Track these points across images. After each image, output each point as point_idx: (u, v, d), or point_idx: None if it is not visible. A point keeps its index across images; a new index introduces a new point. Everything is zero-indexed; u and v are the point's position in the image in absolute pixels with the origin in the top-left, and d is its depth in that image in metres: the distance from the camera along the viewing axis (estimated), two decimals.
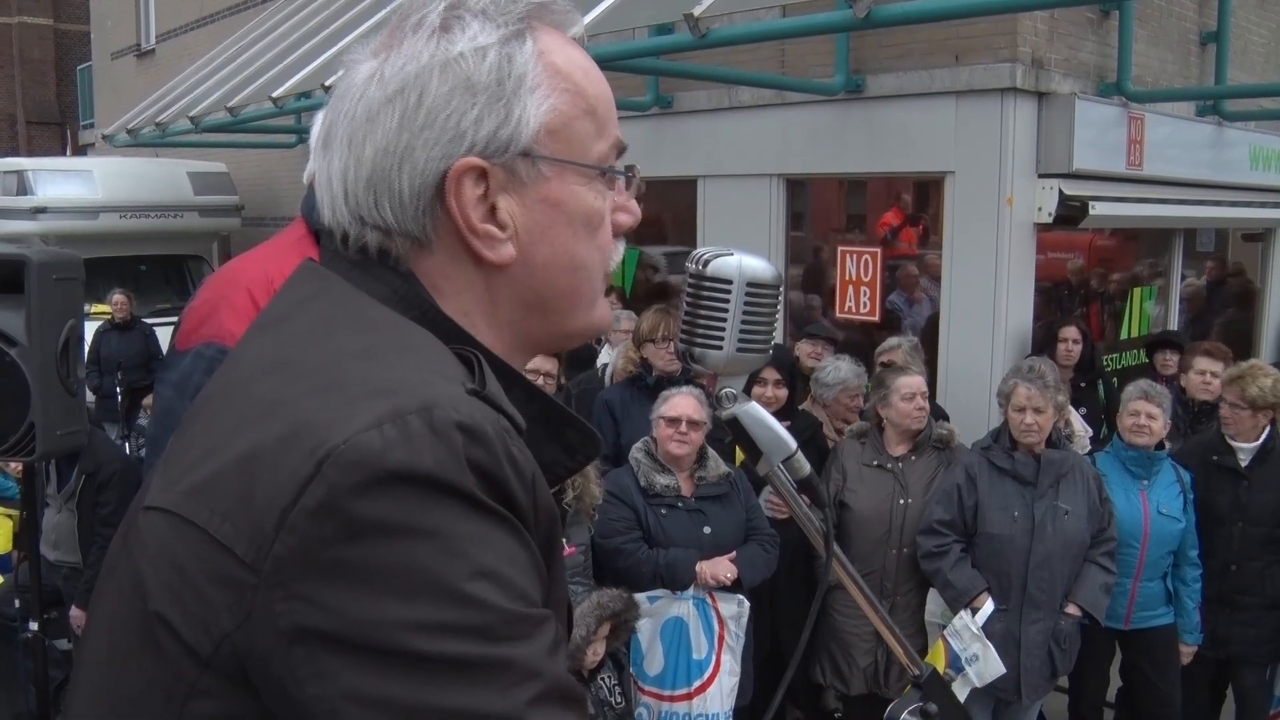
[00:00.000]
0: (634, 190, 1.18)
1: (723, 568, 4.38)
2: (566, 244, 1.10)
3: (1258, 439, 4.98)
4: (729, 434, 1.43)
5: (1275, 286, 10.91)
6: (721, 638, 4.37)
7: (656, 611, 4.33)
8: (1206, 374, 5.75)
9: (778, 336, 7.67)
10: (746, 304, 1.33)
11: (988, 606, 4.43)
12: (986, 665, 4.31)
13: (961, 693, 4.07)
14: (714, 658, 4.34)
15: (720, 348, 1.34)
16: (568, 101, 1.06)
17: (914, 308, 8.12)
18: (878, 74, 7.79)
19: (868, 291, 8.08)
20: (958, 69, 7.38)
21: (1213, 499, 4.99)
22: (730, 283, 1.33)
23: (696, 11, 5.82)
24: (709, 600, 4.38)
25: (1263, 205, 9.93)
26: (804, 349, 6.50)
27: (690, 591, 4.37)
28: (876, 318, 8.01)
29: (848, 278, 8.22)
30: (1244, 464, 4.98)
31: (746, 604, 4.45)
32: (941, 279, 7.60)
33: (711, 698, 4.33)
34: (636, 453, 4.61)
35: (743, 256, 1.35)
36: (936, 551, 4.63)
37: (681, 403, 4.54)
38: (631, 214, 1.19)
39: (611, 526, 4.43)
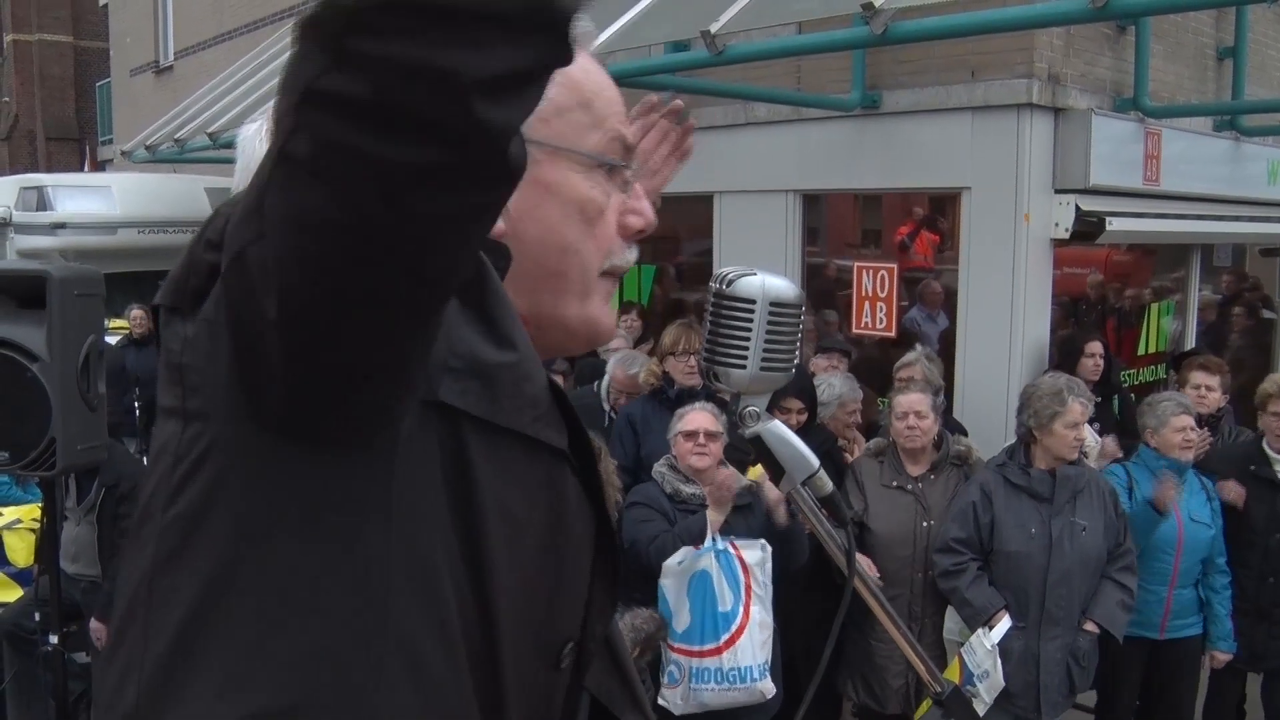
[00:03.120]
0: (636, 179, 1.21)
1: (728, 474, 4.39)
2: (556, 225, 1.13)
3: None
4: (751, 452, 1.44)
5: None
6: (748, 587, 4.33)
7: (683, 571, 4.31)
8: (1202, 388, 5.71)
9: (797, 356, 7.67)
10: (770, 323, 1.34)
11: (1004, 624, 4.42)
12: (994, 681, 4.30)
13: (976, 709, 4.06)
14: (742, 608, 4.29)
15: (744, 367, 1.35)
16: (560, 93, 1.10)
17: (932, 323, 8.11)
18: (894, 90, 7.79)
19: (884, 307, 8.08)
20: (974, 85, 7.38)
21: (1250, 510, 4.98)
22: (754, 302, 1.34)
23: (713, 29, 5.85)
24: (731, 549, 4.35)
25: (1279, 220, 9.90)
26: (818, 364, 6.51)
27: (710, 543, 4.34)
28: (893, 333, 8.01)
29: (864, 293, 8.22)
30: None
31: (769, 549, 4.41)
32: (959, 294, 7.59)
33: (743, 650, 4.28)
34: (660, 467, 4.64)
35: (766, 276, 1.36)
36: (954, 570, 4.62)
37: (696, 417, 4.56)
38: (643, 216, 1.21)
39: (640, 528, 4.43)
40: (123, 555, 1.04)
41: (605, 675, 1.28)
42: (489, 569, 1.01)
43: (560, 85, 1.08)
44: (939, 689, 1.52)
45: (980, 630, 4.43)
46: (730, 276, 1.36)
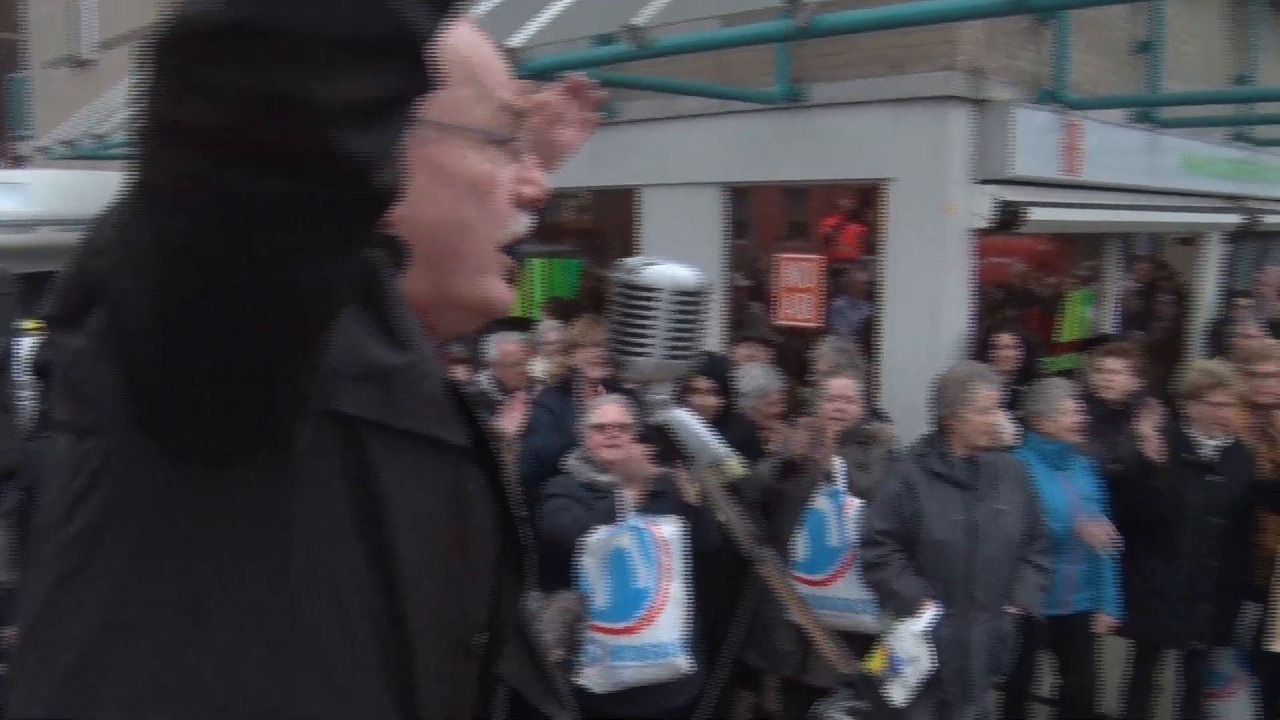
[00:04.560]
0: (530, 147, 1.21)
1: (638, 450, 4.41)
2: (451, 204, 1.13)
3: (1225, 434, 5.14)
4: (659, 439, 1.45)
5: (1206, 288, 11.14)
6: (664, 563, 4.34)
7: (599, 548, 4.32)
8: (1108, 373, 5.83)
9: (717, 344, 7.73)
10: (673, 312, 1.35)
11: (931, 612, 4.48)
12: (921, 666, 4.36)
13: (900, 695, 4.11)
14: (657, 584, 4.30)
15: (648, 355, 1.36)
16: (446, 69, 1.09)
17: (857, 312, 8.21)
18: (818, 83, 7.86)
19: (810, 298, 8.15)
20: (897, 78, 7.47)
21: (1184, 495, 5.10)
22: (658, 291, 1.35)
23: (638, 22, 5.85)
24: (646, 526, 4.35)
25: (1195, 210, 10.13)
26: (741, 353, 6.55)
27: (625, 521, 4.35)
28: (817, 323, 8.08)
29: (789, 284, 8.28)
30: (1211, 459, 5.11)
31: (685, 524, 4.42)
32: (884, 285, 7.68)
33: (661, 626, 4.28)
34: (573, 461, 4.63)
35: (670, 265, 1.37)
36: (878, 562, 4.67)
37: (608, 409, 4.58)
38: (537, 185, 1.22)
39: (560, 516, 4.43)
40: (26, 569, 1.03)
41: (520, 664, 1.28)
42: (397, 570, 1.00)
43: (446, 61, 1.08)
44: (847, 671, 1.54)
45: (904, 619, 4.48)
46: (634, 265, 1.37)
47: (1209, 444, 5.13)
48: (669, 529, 4.37)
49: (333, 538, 0.97)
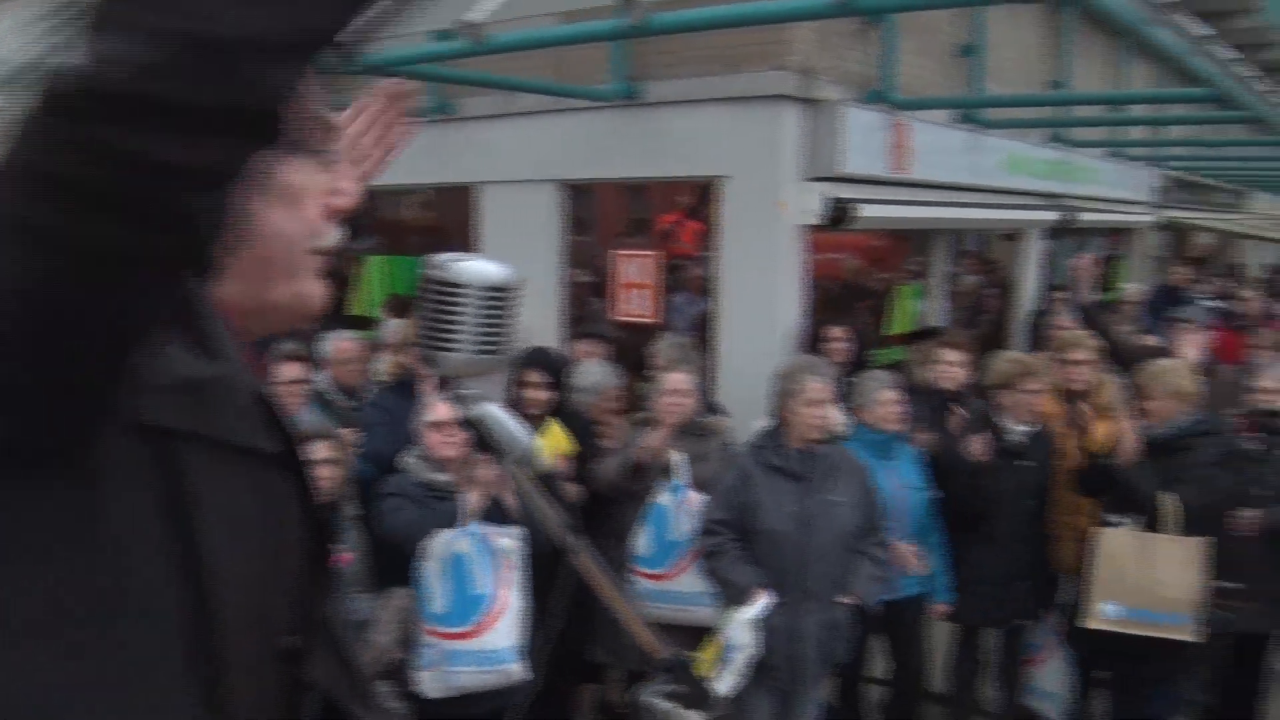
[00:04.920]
0: (348, 167, 1.22)
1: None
2: (260, 214, 1.13)
3: (1033, 422, 5.38)
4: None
5: (1027, 282, 11.63)
6: (503, 570, 4.33)
7: (439, 551, 4.29)
8: (946, 364, 6.00)
9: (556, 340, 7.75)
10: (482, 308, 1.37)
11: (763, 601, 4.56)
12: (749, 653, 4.44)
13: (728, 682, 4.18)
14: (495, 591, 4.30)
15: (459, 350, 1.37)
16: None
17: (691, 308, 8.33)
18: (655, 81, 7.94)
19: (648, 294, 8.24)
20: (732, 77, 7.59)
21: (993, 482, 5.31)
22: (466, 287, 1.36)
23: (475, 18, 5.83)
24: (486, 533, 4.34)
25: (1016, 207, 10.56)
26: (580, 349, 6.58)
27: (465, 528, 4.32)
28: (656, 319, 8.17)
29: (627, 280, 8.36)
30: (1022, 445, 5.35)
31: (524, 534, 4.39)
32: (720, 281, 7.81)
33: (498, 633, 4.29)
34: (409, 458, 4.59)
35: (479, 261, 1.38)
36: (714, 550, 4.74)
37: (443, 407, 4.54)
38: (347, 196, 1.22)
39: (396, 516, 4.39)
40: None
41: (330, 667, 1.29)
42: (207, 577, 1.00)
43: None
44: (664, 656, 1.58)
45: (737, 607, 4.55)
46: (443, 262, 1.38)
47: (1018, 430, 5.36)
48: (508, 539, 4.37)
49: (143, 548, 0.97)
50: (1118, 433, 5.13)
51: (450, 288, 1.37)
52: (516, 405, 4.96)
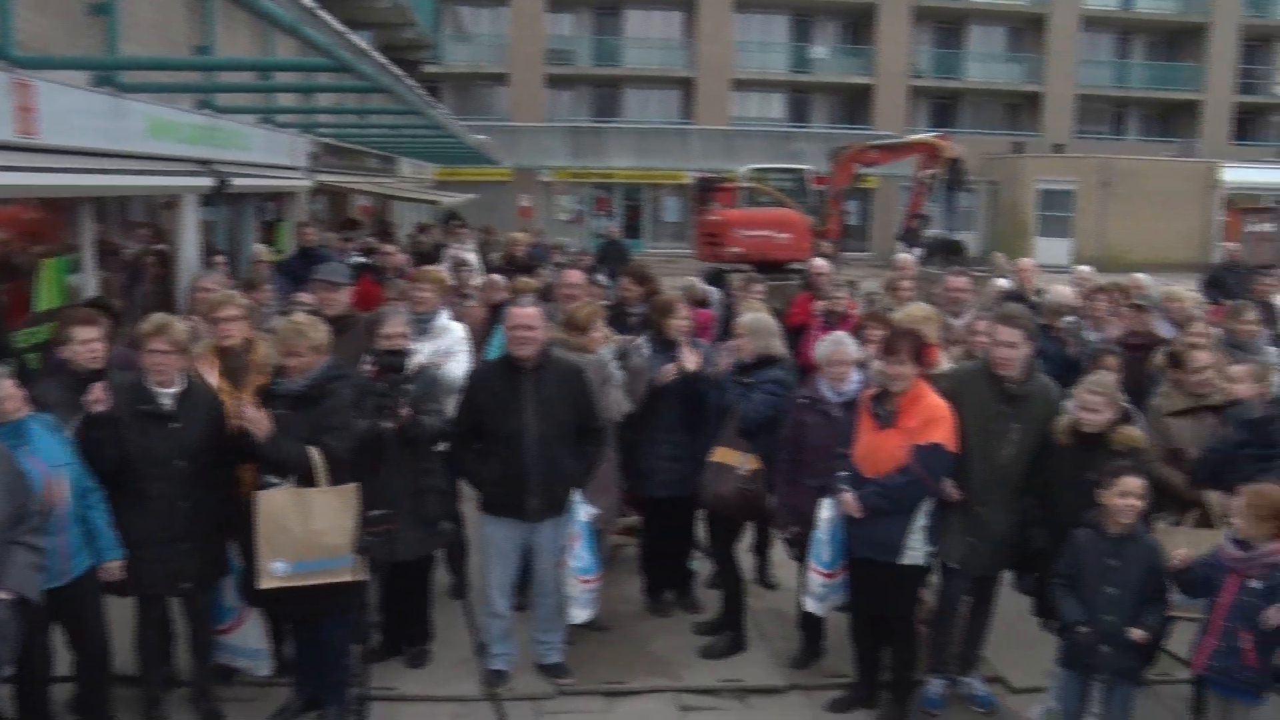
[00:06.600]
0: None
1: None
2: None
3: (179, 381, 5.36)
4: None
5: (188, 249, 11.54)
6: None
7: None
8: (84, 342, 5.51)
9: None
10: None
11: None
12: None
13: None
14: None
15: None
16: None
17: None
18: None
19: None
20: None
21: (143, 445, 5.24)
22: None
23: None
24: None
25: (167, 174, 10.41)
26: None
27: None
28: None
29: None
30: (170, 408, 5.31)
31: None
32: None
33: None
34: None
35: None
36: None
37: None
38: None
39: None
40: None
41: None
42: None
43: None
44: None
45: None
46: None
47: (165, 393, 5.32)
48: None
49: None
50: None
51: None
52: None
